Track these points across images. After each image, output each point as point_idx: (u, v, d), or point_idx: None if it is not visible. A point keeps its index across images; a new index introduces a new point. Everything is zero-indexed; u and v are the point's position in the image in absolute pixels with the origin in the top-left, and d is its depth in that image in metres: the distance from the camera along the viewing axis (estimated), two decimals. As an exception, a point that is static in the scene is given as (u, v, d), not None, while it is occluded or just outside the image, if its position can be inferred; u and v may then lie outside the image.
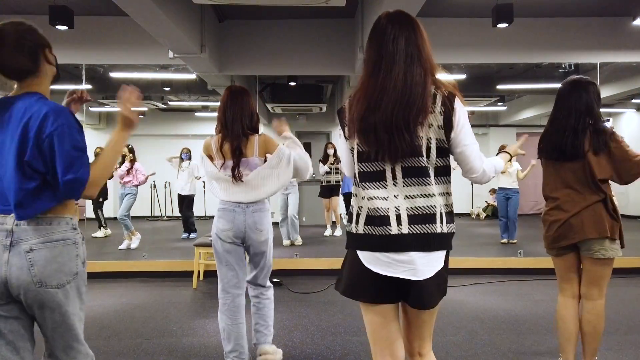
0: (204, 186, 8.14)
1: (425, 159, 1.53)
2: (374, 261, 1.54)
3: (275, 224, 4.29)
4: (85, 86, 6.42)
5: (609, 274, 2.47)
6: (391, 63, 1.53)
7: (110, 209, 9.40)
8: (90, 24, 5.65)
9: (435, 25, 5.75)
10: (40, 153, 1.45)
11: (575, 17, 5.81)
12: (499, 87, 8.27)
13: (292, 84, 7.83)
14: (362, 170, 1.59)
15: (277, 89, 8.19)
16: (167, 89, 8.55)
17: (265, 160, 2.71)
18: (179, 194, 8.22)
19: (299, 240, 7.28)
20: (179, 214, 8.62)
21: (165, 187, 11.58)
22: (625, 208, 9.14)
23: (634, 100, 9.45)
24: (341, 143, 1.70)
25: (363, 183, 1.58)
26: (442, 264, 1.55)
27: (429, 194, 1.53)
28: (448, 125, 1.53)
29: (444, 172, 1.57)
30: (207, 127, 10.98)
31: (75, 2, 4.95)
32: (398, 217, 1.52)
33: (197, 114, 11.37)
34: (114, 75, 7.27)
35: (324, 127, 11.23)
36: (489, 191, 10.97)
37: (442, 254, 1.56)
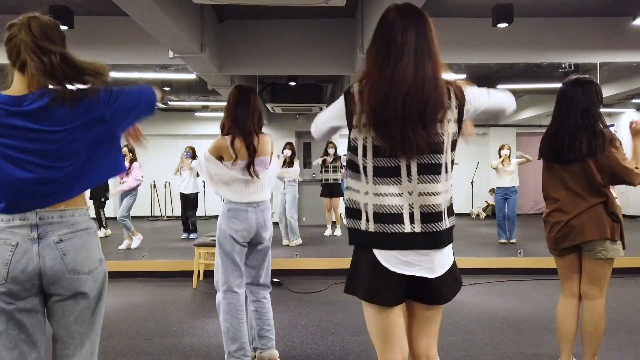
0: (204, 186, 8.11)
1: (443, 155, 1.51)
2: (391, 260, 1.51)
3: (275, 223, 4.29)
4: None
5: (609, 274, 2.48)
6: (400, 55, 1.47)
7: (110, 209, 9.41)
8: (90, 24, 5.64)
9: (435, 25, 5.74)
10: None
11: (575, 17, 5.80)
12: (499, 87, 8.23)
13: (292, 83, 7.82)
14: (376, 165, 1.51)
15: (277, 89, 8.17)
16: (167, 88, 8.55)
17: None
18: (181, 193, 8.04)
19: (295, 242, 7.23)
20: (180, 214, 8.58)
21: (165, 187, 11.59)
22: (626, 208, 9.12)
23: (634, 100, 9.44)
24: (330, 111, 1.64)
25: (375, 178, 1.52)
26: (452, 258, 1.58)
27: (439, 191, 1.53)
28: (461, 115, 1.53)
29: (450, 168, 1.57)
30: (207, 127, 10.99)
31: (75, 2, 4.94)
32: (411, 215, 1.51)
33: (197, 114, 11.37)
34: (114, 75, 7.23)
35: (324, 127, 11.20)
36: (489, 191, 10.97)
37: (450, 247, 1.58)
